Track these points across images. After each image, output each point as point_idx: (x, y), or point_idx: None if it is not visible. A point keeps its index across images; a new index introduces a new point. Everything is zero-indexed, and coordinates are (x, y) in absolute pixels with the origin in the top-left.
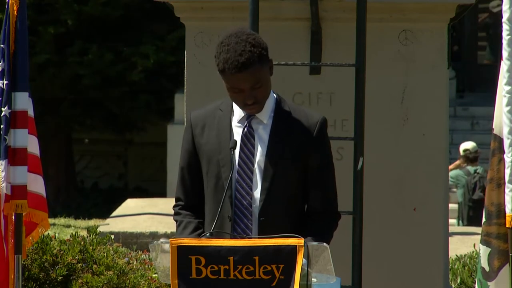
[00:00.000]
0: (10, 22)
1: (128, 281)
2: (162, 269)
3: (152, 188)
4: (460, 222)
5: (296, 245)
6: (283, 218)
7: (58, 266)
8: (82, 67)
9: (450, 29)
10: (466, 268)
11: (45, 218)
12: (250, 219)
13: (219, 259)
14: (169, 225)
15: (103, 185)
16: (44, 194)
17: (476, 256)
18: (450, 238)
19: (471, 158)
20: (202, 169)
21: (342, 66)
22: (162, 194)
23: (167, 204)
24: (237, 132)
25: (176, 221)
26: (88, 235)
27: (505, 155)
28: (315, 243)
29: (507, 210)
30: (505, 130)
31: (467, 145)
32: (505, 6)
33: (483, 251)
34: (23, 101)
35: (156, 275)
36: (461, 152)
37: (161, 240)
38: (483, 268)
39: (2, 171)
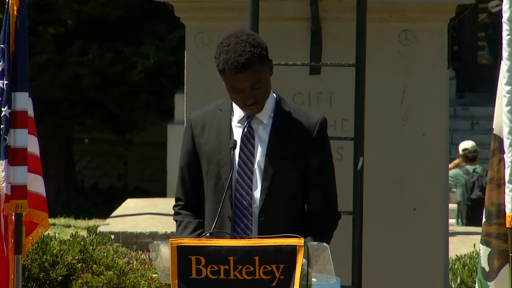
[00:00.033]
0: (10, 22)
1: (128, 281)
2: (162, 269)
3: (152, 188)
4: (459, 221)
5: (296, 245)
6: (283, 218)
7: (58, 266)
8: (82, 67)
9: (450, 29)
10: (466, 268)
11: (45, 218)
12: (250, 219)
13: (219, 259)
14: (169, 225)
15: (103, 185)
16: (44, 194)
17: (476, 256)
18: (450, 238)
19: (470, 157)
20: (202, 169)
21: (342, 66)
22: (162, 194)
23: (167, 204)
24: (237, 132)
25: (176, 221)
26: (88, 235)
27: (505, 155)
28: (315, 243)
29: (507, 210)
30: (505, 130)
31: (466, 144)
32: (505, 6)
33: (483, 251)
34: (23, 101)
35: (156, 275)
36: (460, 151)
37: (160, 242)
38: (483, 268)
39: (2, 171)
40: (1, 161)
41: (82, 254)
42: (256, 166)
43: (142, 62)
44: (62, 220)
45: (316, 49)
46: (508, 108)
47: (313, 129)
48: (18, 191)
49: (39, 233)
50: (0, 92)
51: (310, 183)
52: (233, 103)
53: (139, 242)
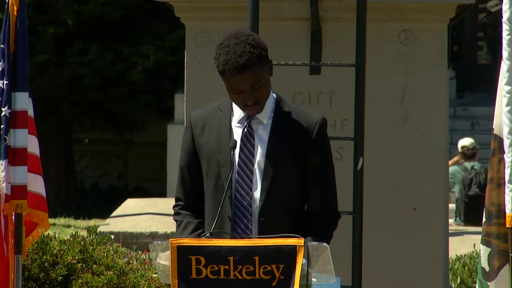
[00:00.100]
0: (10, 22)
1: (128, 281)
2: (162, 269)
3: (152, 188)
4: (457, 218)
5: (296, 245)
6: (283, 218)
7: (58, 266)
8: (82, 67)
9: (450, 29)
10: (466, 268)
11: (45, 218)
12: (250, 219)
13: (219, 259)
14: (169, 225)
15: (103, 185)
16: (44, 194)
17: (476, 256)
18: (450, 238)
19: (468, 154)
20: (202, 169)
21: (342, 66)
22: (162, 194)
23: (167, 204)
24: (237, 133)
25: (176, 221)
26: (88, 235)
27: (505, 155)
28: (315, 243)
29: (507, 210)
30: (505, 130)
31: (465, 141)
32: (505, 6)
33: (483, 251)
34: (23, 101)
35: (156, 275)
36: (459, 149)
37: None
38: (483, 268)
39: (2, 171)
40: (1, 161)
41: (82, 254)
42: (256, 166)
43: (142, 62)
44: (62, 220)
45: (316, 49)
46: (508, 108)
47: (313, 129)
48: (18, 191)
49: (39, 233)
50: (0, 92)
51: (310, 183)
52: (233, 103)
53: (139, 242)
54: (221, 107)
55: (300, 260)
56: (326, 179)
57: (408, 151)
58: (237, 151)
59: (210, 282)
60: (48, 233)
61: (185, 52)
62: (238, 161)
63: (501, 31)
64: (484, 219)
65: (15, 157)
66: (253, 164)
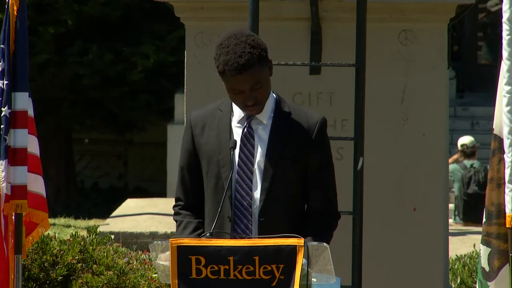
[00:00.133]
0: (10, 22)
1: (128, 281)
2: (162, 269)
3: (152, 188)
4: (457, 216)
5: (296, 245)
6: (283, 219)
7: (58, 266)
8: (82, 67)
9: (450, 29)
10: (466, 268)
11: (45, 218)
12: (250, 219)
13: (219, 259)
14: (169, 225)
15: (103, 185)
16: (44, 194)
17: (476, 256)
18: (450, 238)
19: (468, 152)
20: (202, 169)
21: (342, 66)
22: (162, 194)
23: (167, 204)
24: (237, 133)
25: (176, 221)
26: (88, 235)
27: (505, 155)
28: (315, 243)
29: (507, 210)
30: (505, 130)
31: (465, 139)
32: (505, 6)
33: (483, 251)
34: (23, 101)
35: (156, 275)
36: (459, 147)
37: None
38: (483, 268)
39: (2, 171)
40: (1, 161)
41: (82, 254)
42: (256, 166)
43: (142, 62)
44: (62, 220)
45: (316, 49)
46: (508, 108)
47: (313, 129)
48: (18, 191)
49: (39, 233)
50: (0, 92)
51: (310, 183)
52: (232, 103)
53: (139, 242)
54: (221, 107)
55: (300, 260)
56: (326, 179)
57: (408, 151)
58: (237, 151)
59: (210, 282)
60: (48, 233)
61: (185, 52)
62: (238, 161)
63: (501, 31)
64: (484, 219)
65: (15, 157)
66: (253, 164)
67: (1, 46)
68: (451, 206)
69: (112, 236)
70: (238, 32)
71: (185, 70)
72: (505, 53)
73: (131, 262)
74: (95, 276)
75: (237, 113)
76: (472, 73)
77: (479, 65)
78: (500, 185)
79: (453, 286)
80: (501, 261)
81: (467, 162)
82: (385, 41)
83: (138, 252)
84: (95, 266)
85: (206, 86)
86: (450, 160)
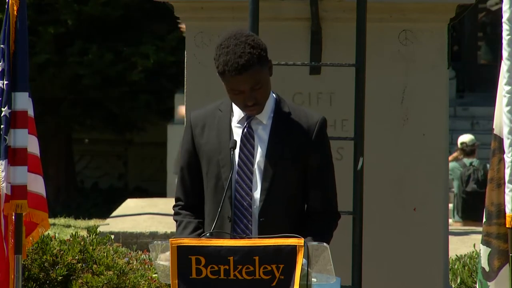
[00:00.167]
0: (10, 22)
1: (128, 281)
2: (162, 269)
3: (152, 188)
4: (455, 214)
5: (296, 245)
6: (283, 219)
7: (58, 266)
8: (82, 67)
9: (450, 29)
10: (466, 268)
11: (45, 218)
12: (250, 219)
13: (219, 259)
14: (169, 225)
15: (103, 185)
16: (44, 194)
17: (476, 256)
18: (450, 238)
19: (467, 151)
20: (202, 169)
21: (342, 66)
22: (162, 194)
23: (167, 204)
24: (237, 133)
25: (176, 221)
26: (88, 235)
27: (505, 155)
28: (315, 243)
29: (507, 210)
30: (505, 130)
31: (464, 138)
32: (505, 6)
33: (483, 251)
34: (23, 101)
35: (156, 275)
36: (459, 145)
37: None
38: (483, 268)
39: (2, 171)
40: (1, 161)
41: (82, 254)
42: (256, 166)
43: (142, 62)
44: (62, 220)
45: (316, 49)
46: (508, 108)
47: (312, 129)
48: (18, 191)
49: (39, 233)
50: (0, 92)
51: (310, 183)
52: (232, 103)
53: (139, 242)
54: (221, 107)
55: (300, 260)
56: (326, 179)
57: (408, 151)
58: (237, 151)
59: (210, 282)
60: (48, 233)
61: (185, 52)
62: (238, 161)
63: (501, 31)
64: (484, 219)
65: (15, 157)
66: (253, 165)
67: (1, 46)
68: (450, 205)
69: (112, 236)
70: (238, 32)
71: (185, 70)
72: (505, 53)
73: (131, 262)
74: (95, 276)
75: (237, 113)
76: (472, 73)
77: (479, 65)
78: (500, 185)
79: (453, 286)
80: (501, 261)
81: (467, 160)
82: (385, 41)
83: (138, 252)
84: (95, 266)
85: (206, 86)
86: (449, 158)
